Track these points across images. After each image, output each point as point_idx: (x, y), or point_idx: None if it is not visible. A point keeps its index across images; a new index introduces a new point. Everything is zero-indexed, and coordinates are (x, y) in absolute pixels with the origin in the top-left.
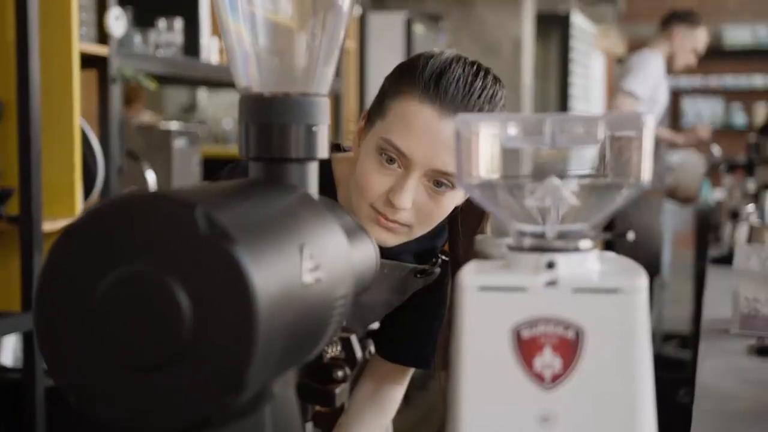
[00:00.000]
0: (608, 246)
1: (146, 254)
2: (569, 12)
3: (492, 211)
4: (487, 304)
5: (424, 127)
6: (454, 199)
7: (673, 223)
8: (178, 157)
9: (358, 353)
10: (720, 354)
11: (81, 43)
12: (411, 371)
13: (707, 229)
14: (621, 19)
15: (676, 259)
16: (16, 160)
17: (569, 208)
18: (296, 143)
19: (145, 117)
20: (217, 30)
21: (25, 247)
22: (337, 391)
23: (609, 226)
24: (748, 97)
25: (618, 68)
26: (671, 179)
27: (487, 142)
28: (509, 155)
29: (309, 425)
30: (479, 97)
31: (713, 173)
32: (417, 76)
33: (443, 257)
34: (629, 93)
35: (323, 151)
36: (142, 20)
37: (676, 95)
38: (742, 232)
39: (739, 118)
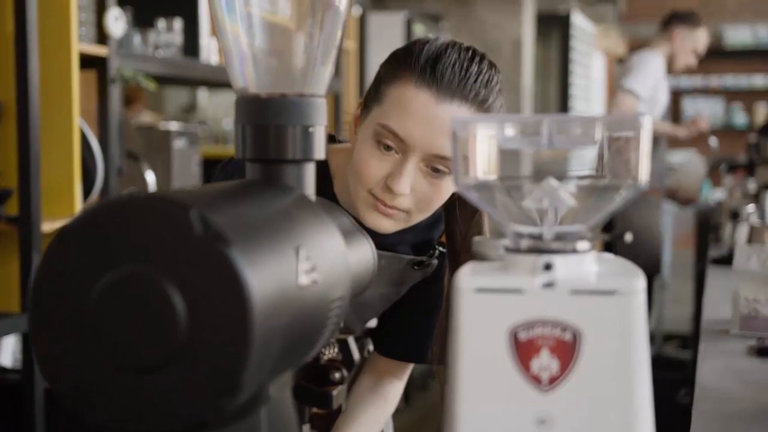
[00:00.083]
0: (607, 247)
1: (141, 256)
2: (569, 12)
3: (489, 213)
4: (484, 306)
5: (421, 112)
6: (452, 184)
7: (673, 224)
8: (178, 157)
9: (356, 355)
10: (720, 355)
11: (80, 44)
12: (411, 366)
13: (707, 229)
14: (621, 19)
15: (676, 259)
16: (16, 161)
17: (567, 209)
18: (293, 144)
19: (145, 117)
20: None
21: (24, 247)
22: (334, 392)
23: (608, 226)
24: (748, 97)
25: (618, 68)
26: (672, 180)
27: (484, 143)
28: (509, 156)
29: (306, 427)
30: (475, 81)
31: (714, 173)
32: (413, 62)
33: (440, 249)
34: (629, 91)
35: (320, 152)
36: (142, 20)
37: (676, 95)
38: (743, 232)
39: (740, 118)
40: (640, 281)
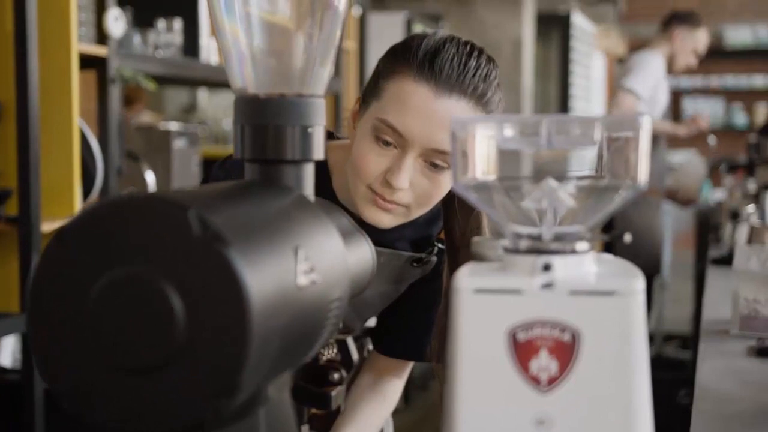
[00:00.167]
0: (607, 247)
1: (140, 256)
2: (569, 12)
3: (488, 213)
4: (482, 307)
5: (419, 106)
6: (450, 178)
7: (673, 224)
8: (178, 157)
9: (354, 355)
10: (720, 355)
11: (80, 44)
12: (411, 364)
13: (707, 229)
14: (621, 19)
15: (676, 259)
16: (15, 161)
17: (566, 209)
18: (292, 144)
19: (145, 117)
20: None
21: (23, 247)
22: (333, 393)
23: (608, 227)
24: (748, 97)
25: (618, 68)
26: (672, 180)
27: (483, 144)
28: (509, 156)
29: (305, 428)
30: (474, 75)
31: (714, 173)
32: (411, 56)
33: (439, 245)
34: (630, 91)
35: (319, 152)
36: (142, 21)
37: (676, 95)
38: (743, 232)
39: (740, 119)
40: (639, 282)
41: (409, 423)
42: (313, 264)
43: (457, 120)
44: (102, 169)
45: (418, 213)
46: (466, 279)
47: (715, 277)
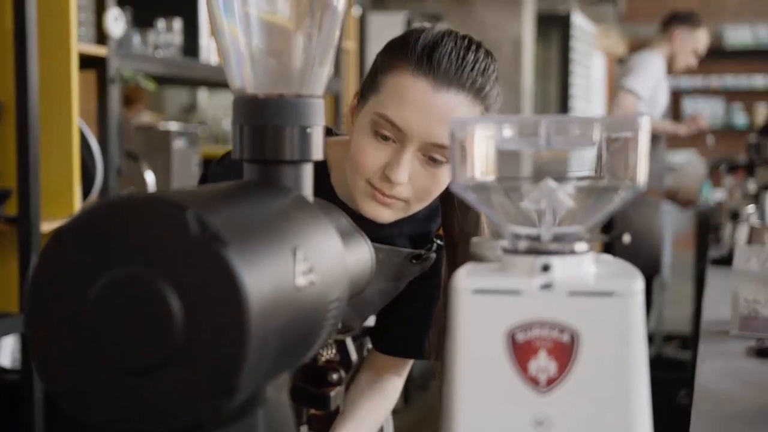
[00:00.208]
0: (607, 248)
1: (138, 256)
2: (569, 12)
3: (487, 214)
4: (481, 307)
5: (418, 100)
6: (449, 173)
7: (673, 224)
8: (178, 157)
9: (353, 356)
10: (719, 355)
11: (80, 44)
12: (410, 362)
13: (707, 229)
14: (621, 19)
15: (676, 259)
16: (15, 161)
17: (565, 210)
18: (290, 145)
19: (145, 117)
20: None
21: (23, 247)
22: (332, 394)
23: (608, 227)
24: (748, 97)
25: (618, 68)
26: (672, 181)
27: (482, 144)
28: (509, 157)
29: (303, 428)
30: (472, 69)
31: (714, 174)
32: (409, 50)
33: (438, 242)
34: (630, 91)
35: (318, 152)
36: (141, 21)
37: (676, 95)
38: (742, 232)
39: (740, 119)
40: (638, 282)
41: (409, 423)
42: (311, 264)
43: (456, 120)
44: (102, 169)
45: (417, 207)
46: (465, 279)
47: (715, 277)
